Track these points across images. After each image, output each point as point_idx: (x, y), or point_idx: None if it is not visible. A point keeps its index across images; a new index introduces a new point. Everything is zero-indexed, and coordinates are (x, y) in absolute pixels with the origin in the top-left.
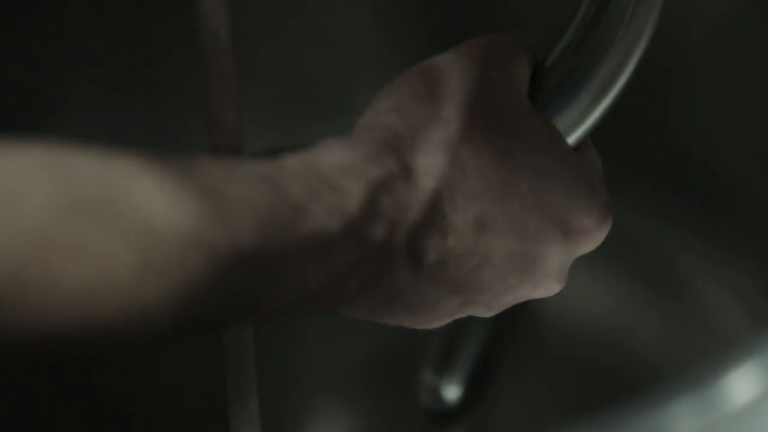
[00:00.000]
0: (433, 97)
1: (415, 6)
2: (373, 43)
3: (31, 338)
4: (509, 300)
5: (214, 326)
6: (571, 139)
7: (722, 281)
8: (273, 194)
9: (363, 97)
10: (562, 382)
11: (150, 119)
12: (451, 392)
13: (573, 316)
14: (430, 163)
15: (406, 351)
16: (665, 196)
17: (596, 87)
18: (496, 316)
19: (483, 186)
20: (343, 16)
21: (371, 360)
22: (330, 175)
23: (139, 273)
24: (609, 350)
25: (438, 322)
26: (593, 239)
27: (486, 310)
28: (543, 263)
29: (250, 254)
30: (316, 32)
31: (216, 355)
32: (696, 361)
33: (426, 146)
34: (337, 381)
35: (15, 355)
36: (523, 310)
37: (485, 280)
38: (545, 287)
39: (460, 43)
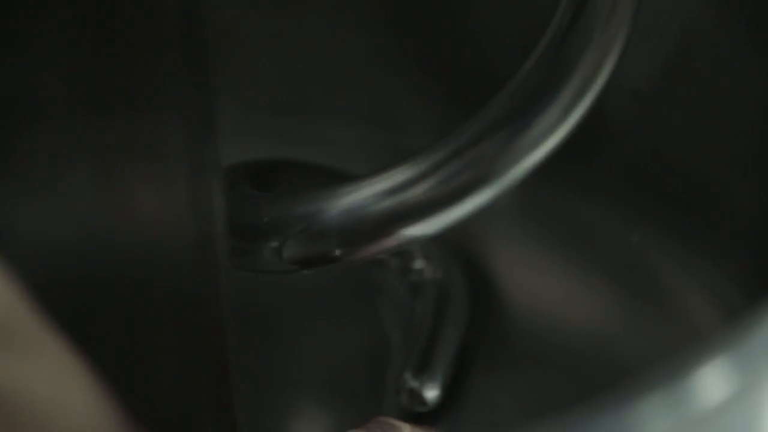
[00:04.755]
0: None
1: (392, 11)
2: (355, 48)
3: None
4: None
5: None
6: (549, 144)
7: (694, 277)
8: None
9: (337, 102)
10: (536, 381)
11: (134, 129)
12: (431, 393)
13: (546, 316)
14: None
15: (384, 354)
16: (639, 195)
17: (572, 92)
18: (470, 318)
19: None
20: (327, 21)
21: (351, 363)
22: None
23: None
24: (582, 350)
25: None
26: None
27: None
28: None
29: None
30: (300, 37)
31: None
32: (669, 358)
33: None
34: (317, 385)
35: None
36: (497, 310)
37: None
38: None
39: (432, 49)
